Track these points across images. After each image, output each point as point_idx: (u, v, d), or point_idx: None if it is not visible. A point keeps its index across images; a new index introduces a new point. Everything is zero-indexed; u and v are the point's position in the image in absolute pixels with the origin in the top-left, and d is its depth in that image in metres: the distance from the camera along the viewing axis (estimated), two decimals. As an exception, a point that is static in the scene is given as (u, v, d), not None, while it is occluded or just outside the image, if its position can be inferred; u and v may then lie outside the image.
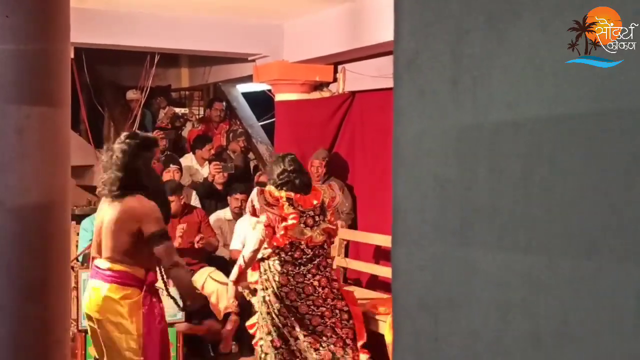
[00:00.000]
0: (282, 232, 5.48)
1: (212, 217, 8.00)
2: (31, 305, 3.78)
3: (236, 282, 5.94)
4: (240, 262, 5.77)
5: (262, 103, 10.50)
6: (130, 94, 10.06)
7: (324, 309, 5.67)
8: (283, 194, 5.53)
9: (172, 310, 6.88)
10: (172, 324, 6.87)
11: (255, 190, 5.66)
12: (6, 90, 3.69)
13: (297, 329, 5.61)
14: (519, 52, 1.08)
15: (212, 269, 7.30)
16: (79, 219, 7.82)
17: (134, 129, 9.29)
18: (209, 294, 7.17)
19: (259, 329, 5.80)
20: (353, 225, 8.01)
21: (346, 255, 7.79)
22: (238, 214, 7.91)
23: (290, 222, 5.48)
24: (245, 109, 10.77)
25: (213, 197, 8.62)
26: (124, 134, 4.81)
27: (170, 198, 7.49)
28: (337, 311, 5.72)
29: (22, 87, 3.74)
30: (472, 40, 1.13)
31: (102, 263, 4.64)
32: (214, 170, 8.57)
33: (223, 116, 10.41)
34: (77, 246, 7.17)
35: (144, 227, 4.49)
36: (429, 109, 1.19)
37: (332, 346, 5.65)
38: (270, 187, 5.65)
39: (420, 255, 1.23)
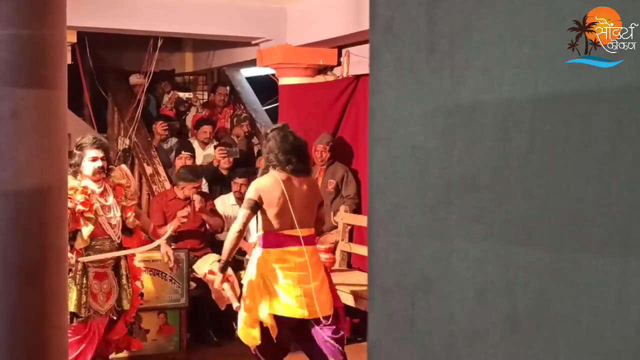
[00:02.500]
0: None
1: (217, 202, 7.96)
2: (28, 291, 3.75)
3: None
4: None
5: (266, 87, 10.44)
6: (134, 79, 10.02)
7: None
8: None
9: (174, 295, 6.92)
10: (175, 308, 6.89)
11: None
12: (2, 74, 3.65)
13: None
14: (497, 15, 1.02)
15: (216, 256, 7.26)
16: (82, 203, 7.78)
17: (137, 114, 9.27)
18: (211, 280, 7.14)
19: None
20: (357, 210, 7.95)
21: (350, 240, 7.75)
22: (239, 199, 7.87)
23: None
24: (249, 94, 10.71)
25: (218, 182, 8.58)
26: (277, 126, 5.87)
27: (196, 183, 7.56)
28: None
29: (17, 71, 3.70)
30: (449, 4, 1.07)
31: (301, 232, 5.59)
32: (219, 156, 8.53)
33: (227, 101, 10.36)
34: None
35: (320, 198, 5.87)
36: (406, 76, 1.13)
37: None
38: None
39: (396, 232, 1.17)
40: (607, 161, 0.94)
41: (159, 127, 9.34)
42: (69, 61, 7.99)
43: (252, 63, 9.50)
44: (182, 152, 8.50)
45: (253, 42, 8.86)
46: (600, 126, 0.96)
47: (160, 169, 8.90)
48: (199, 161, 9.02)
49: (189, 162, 8.34)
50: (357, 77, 8.26)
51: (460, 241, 1.09)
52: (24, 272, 3.73)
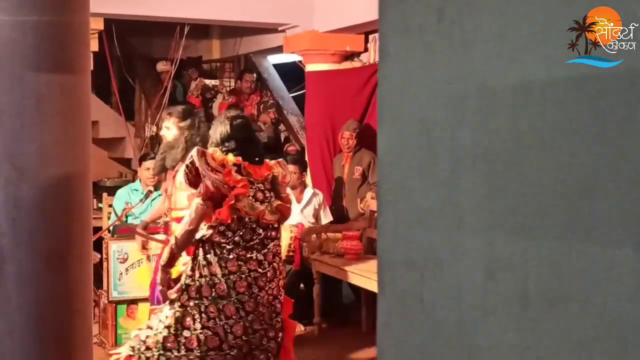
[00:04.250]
0: (232, 202, 4.39)
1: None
2: (52, 275, 3.77)
3: (167, 267, 4.64)
4: (171, 242, 4.61)
5: (293, 74, 10.43)
6: (161, 66, 10.04)
7: (266, 310, 4.60)
8: (231, 157, 4.49)
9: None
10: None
11: (195, 151, 4.45)
12: (26, 59, 3.66)
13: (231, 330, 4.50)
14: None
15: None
16: (110, 190, 7.86)
17: (164, 101, 9.30)
18: None
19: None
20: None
21: (376, 227, 7.71)
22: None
23: (240, 190, 4.42)
24: (276, 80, 10.70)
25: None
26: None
27: None
28: (275, 315, 4.68)
29: (41, 56, 3.71)
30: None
31: None
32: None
33: (254, 88, 10.35)
34: (108, 218, 7.15)
35: None
36: (415, 45, 1.09)
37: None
38: (211, 149, 4.59)
39: (406, 208, 1.14)
40: (620, 144, 0.91)
41: None
42: (96, 48, 8.04)
43: (279, 50, 9.49)
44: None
45: (280, 29, 8.84)
46: (614, 107, 0.93)
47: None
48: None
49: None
50: (384, 63, 8.19)
51: (469, 218, 1.06)
52: (48, 256, 3.75)
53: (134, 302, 6.49)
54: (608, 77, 0.95)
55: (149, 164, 7.38)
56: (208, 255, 4.47)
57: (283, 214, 4.65)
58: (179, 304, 4.46)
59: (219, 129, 4.64)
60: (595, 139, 0.93)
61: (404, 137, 1.14)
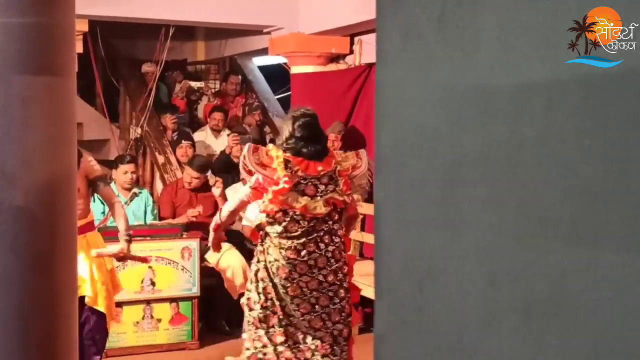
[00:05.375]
0: (270, 197, 4.73)
1: (229, 191, 7.91)
2: (37, 279, 3.73)
3: (215, 245, 5.33)
4: (215, 219, 5.25)
5: (278, 76, 10.40)
6: (145, 67, 9.98)
7: (318, 294, 4.85)
8: (280, 153, 4.76)
9: (186, 285, 6.90)
10: (187, 298, 6.88)
11: (247, 147, 4.87)
12: (11, 61, 3.63)
13: (280, 315, 4.87)
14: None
15: (228, 245, 7.22)
16: (94, 192, 7.78)
17: (149, 103, 9.25)
18: (224, 269, 7.12)
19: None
20: (369, 199, 7.91)
21: (362, 229, 7.71)
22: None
23: (281, 186, 4.70)
24: (261, 82, 10.67)
25: (230, 170, 8.50)
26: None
27: (195, 175, 7.57)
28: (337, 300, 4.89)
29: (26, 58, 3.67)
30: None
31: None
32: (231, 142, 8.48)
33: (239, 90, 10.32)
34: (94, 218, 7.09)
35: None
36: (413, 50, 1.08)
37: (317, 341, 4.87)
38: (269, 146, 4.96)
39: (403, 217, 1.12)
40: (623, 145, 0.90)
41: (169, 122, 9.32)
42: (80, 50, 7.98)
43: (264, 52, 9.46)
44: (183, 142, 8.53)
45: (265, 31, 8.82)
46: (615, 108, 0.92)
47: (172, 158, 8.89)
48: (216, 149, 9.02)
49: (189, 151, 8.36)
50: (370, 66, 8.20)
51: (469, 226, 1.05)
52: (33, 260, 3.71)
53: (118, 305, 6.42)
54: (608, 77, 0.95)
55: (127, 167, 7.45)
56: (263, 242, 4.90)
57: (335, 205, 4.84)
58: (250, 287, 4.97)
59: (285, 128, 4.94)
60: (597, 141, 0.92)
61: (403, 142, 1.12)
